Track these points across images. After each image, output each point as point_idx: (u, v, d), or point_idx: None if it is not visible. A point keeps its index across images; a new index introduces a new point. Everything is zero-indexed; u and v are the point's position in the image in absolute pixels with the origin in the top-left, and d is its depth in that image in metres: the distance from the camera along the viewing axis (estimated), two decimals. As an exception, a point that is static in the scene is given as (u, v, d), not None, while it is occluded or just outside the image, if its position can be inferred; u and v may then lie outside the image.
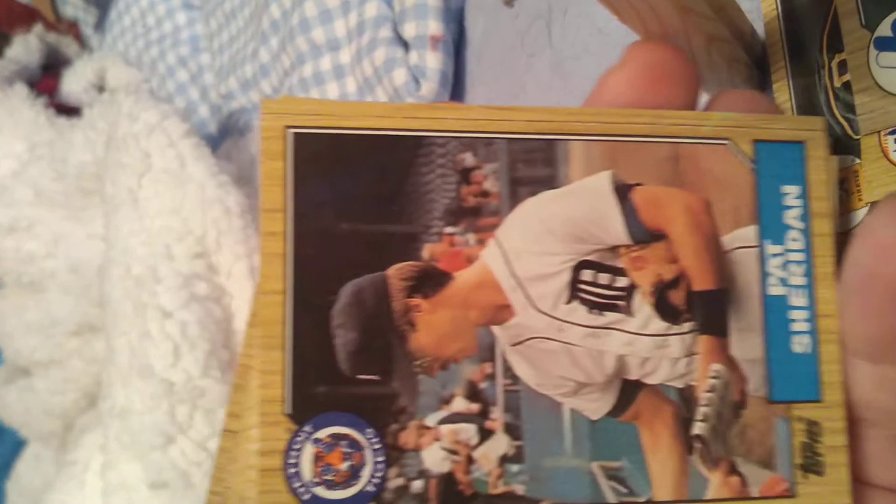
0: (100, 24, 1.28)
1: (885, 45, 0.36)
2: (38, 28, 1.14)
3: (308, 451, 0.27)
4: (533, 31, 0.76)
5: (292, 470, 0.27)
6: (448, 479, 0.28)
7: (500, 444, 0.29)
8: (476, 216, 0.29)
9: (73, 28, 1.28)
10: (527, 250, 0.29)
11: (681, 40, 0.51)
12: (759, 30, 0.57)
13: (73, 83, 1.09)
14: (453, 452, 0.28)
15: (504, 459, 0.29)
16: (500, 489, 0.29)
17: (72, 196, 0.89)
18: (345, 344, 0.28)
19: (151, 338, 0.72)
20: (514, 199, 0.29)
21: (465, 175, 0.29)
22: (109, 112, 0.84)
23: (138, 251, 0.76)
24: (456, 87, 0.83)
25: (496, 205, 0.29)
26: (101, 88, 1.10)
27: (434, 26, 0.79)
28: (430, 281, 0.29)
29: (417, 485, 0.28)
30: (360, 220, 0.28)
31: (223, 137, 1.03)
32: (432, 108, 0.29)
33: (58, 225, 0.89)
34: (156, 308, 0.73)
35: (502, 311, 0.29)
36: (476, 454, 0.29)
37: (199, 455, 0.71)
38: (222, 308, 0.78)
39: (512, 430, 0.29)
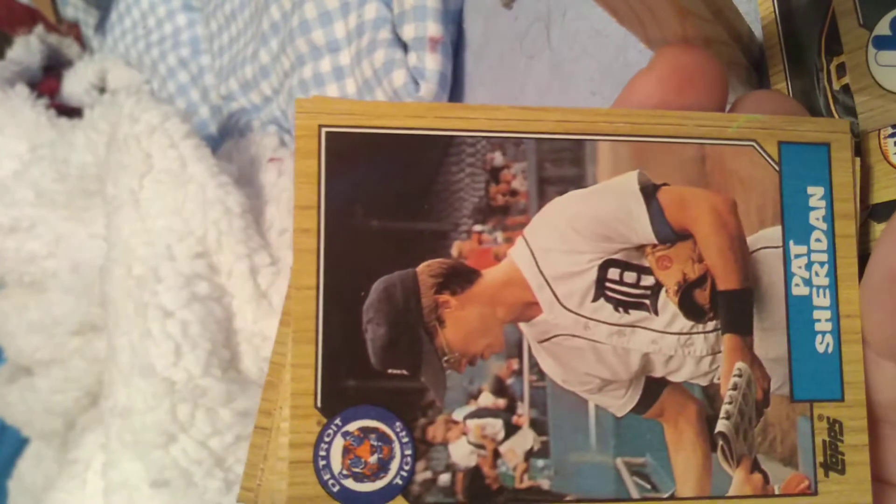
0: (101, 26, 1.28)
1: (883, 43, 0.36)
2: (40, 29, 1.14)
3: (338, 444, 0.28)
4: (532, 33, 0.76)
5: (322, 462, 0.27)
6: (475, 473, 0.28)
7: (527, 439, 0.29)
8: (504, 215, 0.29)
9: (73, 29, 1.28)
10: (554, 249, 0.29)
11: (679, 42, 0.51)
12: (757, 32, 0.57)
13: (75, 84, 1.10)
14: (480, 447, 0.29)
15: (530, 454, 0.29)
16: (526, 483, 0.29)
17: (73, 196, 0.89)
18: (375, 339, 0.28)
19: (152, 337, 0.72)
20: (543, 199, 0.29)
21: (495, 174, 0.29)
22: (110, 113, 0.84)
23: (139, 251, 0.76)
24: (455, 88, 0.83)
25: (524, 203, 0.29)
26: (102, 89, 1.11)
27: (433, 28, 0.79)
28: (459, 278, 0.29)
29: (444, 478, 0.28)
30: (391, 217, 0.28)
31: (223, 138, 1.03)
32: (463, 108, 0.29)
33: (59, 225, 0.90)
34: (157, 307, 0.73)
35: (529, 309, 0.29)
36: (502, 449, 0.29)
37: (200, 454, 0.71)
38: (223, 307, 0.78)
39: (538, 426, 0.29)
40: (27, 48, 1.09)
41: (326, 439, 0.27)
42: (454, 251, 0.29)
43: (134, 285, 0.75)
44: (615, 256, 0.29)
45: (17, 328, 0.92)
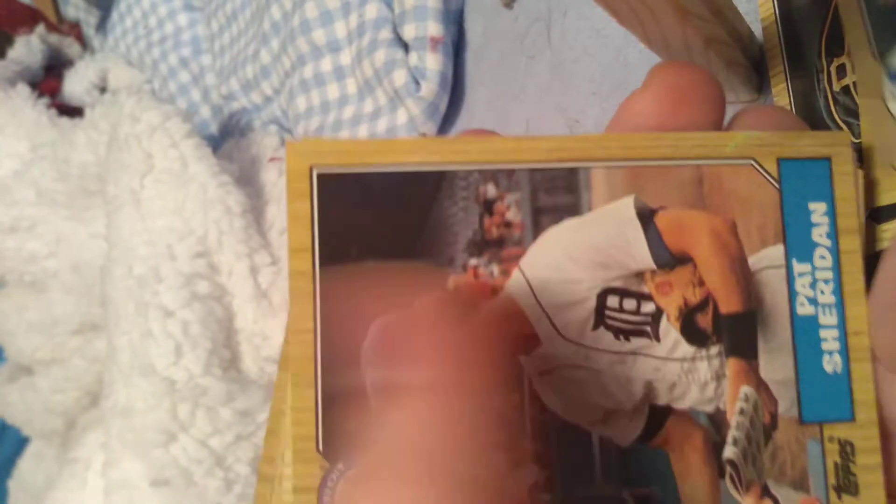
0: (102, 26, 1.28)
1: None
2: (41, 29, 1.14)
3: (342, 488, 0.27)
4: (532, 33, 0.76)
5: None
6: None
7: (530, 473, 0.27)
8: (500, 247, 0.28)
9: (75, 29, 1.28)
10: (551, 279, 0.28)
11: (679, 42, 0.50)
12: (757, 32, 0.56)
13: (76, 84, 1.10)
14: None
15: (534, 489, 0.27)
16: (530, 519, 0.27)
17: (74, 196, 0.88)
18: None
19: (153, 336, 0.72)
20: (537, 228, 0.28)
21: (488, 206, 0.28)
22: (111, 112, 0.83)
23: (140, 251, 0.76)
24: (456, 88, 0.83)
25: (519, 235, 0.28)
26: (102, 89, 1.11)
27: (434, 28, 0.79)
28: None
29: None
30: (386, 256, 0.27)
31: (224, 138, 1.03)
32: (453, 141, 0.28)
33: (60, 225, 0.89)
34: (157, 307, 0.73)
35: (528, 341, 0.28)
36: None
37: (200, 453, 0.71)
38: (223, 307, 0.78)
39: (541, 460, 0.28)
40: (28, 48, 1.09)
41: (330, 484, 0.27)
42: (451, 286, 0.28)
43: (134, 285, 0.74)
44: (614, 284, 0.28)
45: (18, 328, 0.91)
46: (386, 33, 0.81)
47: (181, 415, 0.71)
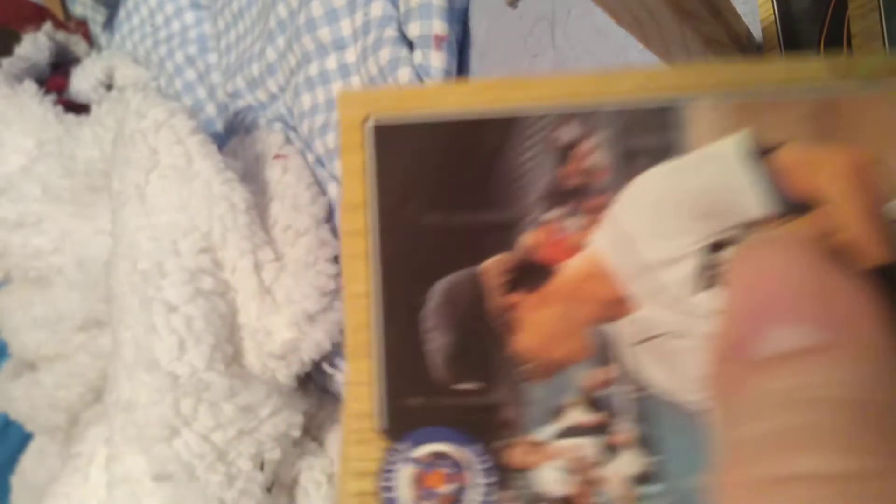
0: (109, 23, 1.26)
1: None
2: (48, 26, 1.12)
3: (405, 473, 0.22)
4: (536, 32, 0.74)
5: (388, 494, 0.22)
6: None
7: (630, 461, 0.22)
8: (580, 197, 0.23)
9: (82, 27, 1.27)
10: (645, 233, 0.23)
11: (678, 43, 0.47)
12: (756, 33, 0.55)
13: (82, 81, 1.08)
14: (571, 473, 0.22)
15: (637, 480, 0.22)
16: (638, 514, 0.22)
17: (79, 192, 0.86)
18: (439, 349, 0.23)
19: (157, 332, 0.70)
20: (626, 175, 0.23)
21: (564, 152, 0.23)
22: (118, 109, 0.81)
23: (145, 246, 0.73)
24: None
25: (604, 182, 0.23)
26: (109, 86, 1.09)
27: (438, 26, 0.77)
28: (531, 275, 0.23)
29: None
30: (448, 210, 0.23)
31: (229, 135, 1.01)
32: (523, 82, 0.24)
33: (65, 221, 0.87)
34: (161, 302, 0.70)
35: (618, 305, 0.23)
36: (600, 474, 0.22)
37: (202, 447, 0.68)
38: (227, 303, 0.75)
39: (643, 445, 0.23)
40: (35, 45, 1.07)
41: (391, 467, 0.22)
42: (522, 244, 0.23)
43: (139, 280, 0.72)
44: (721, 237, 0.22)
45: (22, 324, 0.89)
46: (391, 31, 0.79)
47: (184, 410, 0.68)
